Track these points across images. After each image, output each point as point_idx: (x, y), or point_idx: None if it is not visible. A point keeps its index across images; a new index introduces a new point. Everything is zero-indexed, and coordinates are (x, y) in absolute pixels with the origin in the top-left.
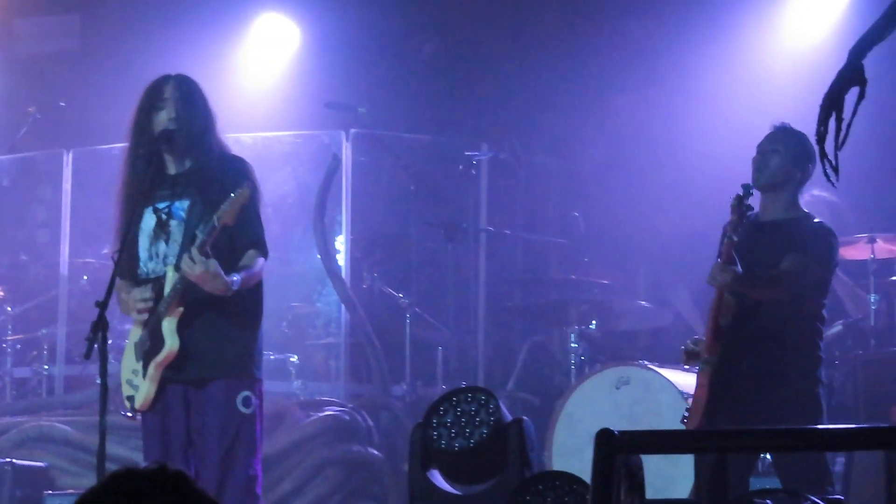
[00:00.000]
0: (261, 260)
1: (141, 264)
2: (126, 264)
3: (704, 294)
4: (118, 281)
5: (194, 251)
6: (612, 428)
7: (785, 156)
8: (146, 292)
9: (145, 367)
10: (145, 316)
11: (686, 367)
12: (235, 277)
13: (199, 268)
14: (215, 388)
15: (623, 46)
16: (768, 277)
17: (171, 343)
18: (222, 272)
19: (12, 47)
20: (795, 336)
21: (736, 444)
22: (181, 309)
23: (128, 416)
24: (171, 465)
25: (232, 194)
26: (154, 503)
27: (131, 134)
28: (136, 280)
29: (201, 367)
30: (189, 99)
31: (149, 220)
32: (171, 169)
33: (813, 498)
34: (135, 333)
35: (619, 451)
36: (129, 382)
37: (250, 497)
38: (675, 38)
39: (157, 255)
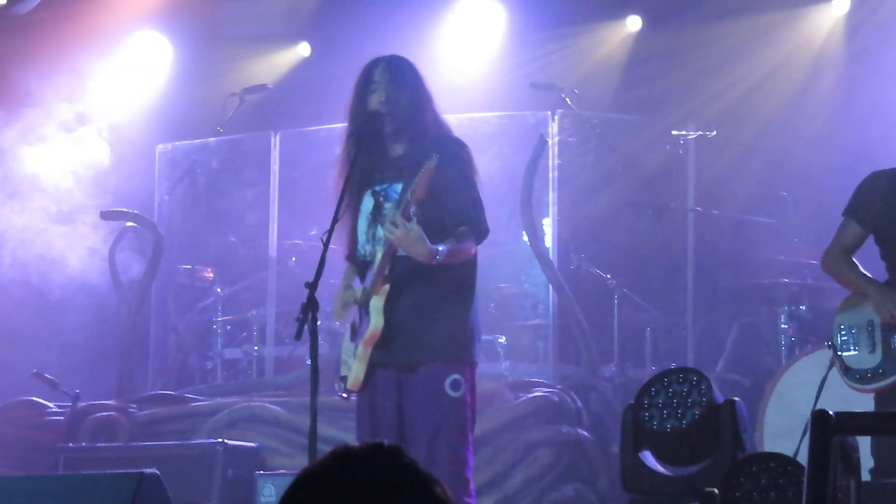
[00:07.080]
0: (473, 238)
1: (359, 246)
2: (347, 247)
3: None
4: (346, 269)
5: (396, 215)
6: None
7: None
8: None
9: (357, 347)
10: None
11: None
12: (441, 247)
13: (400, 231)
14: (424, 371)
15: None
16: None
17: (376, 321)
18: (425, 237)
19: (219, 30)
20: None
21: None
22: (387, 287)
23: (342, 397)
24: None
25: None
26: (372, 480)
27: (348, 117)
28: (355, 261)
29: (410, 350)
30: (399, 80)
31: (367, 203)
32: (390, 151)
33: None
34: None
35: (836, 433)
36: (345, 363)
37: (459, 480)
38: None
39: (374, 237)
